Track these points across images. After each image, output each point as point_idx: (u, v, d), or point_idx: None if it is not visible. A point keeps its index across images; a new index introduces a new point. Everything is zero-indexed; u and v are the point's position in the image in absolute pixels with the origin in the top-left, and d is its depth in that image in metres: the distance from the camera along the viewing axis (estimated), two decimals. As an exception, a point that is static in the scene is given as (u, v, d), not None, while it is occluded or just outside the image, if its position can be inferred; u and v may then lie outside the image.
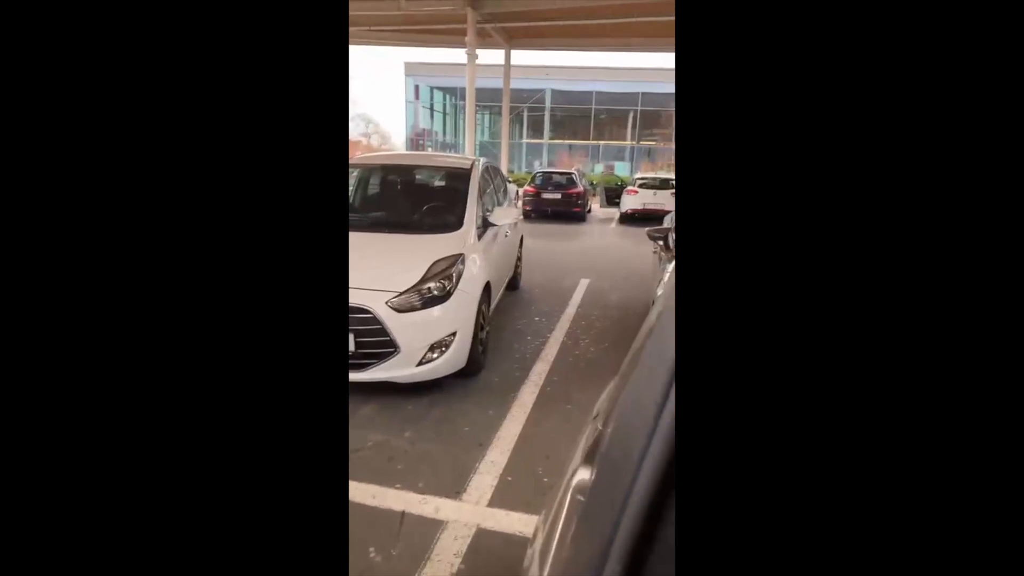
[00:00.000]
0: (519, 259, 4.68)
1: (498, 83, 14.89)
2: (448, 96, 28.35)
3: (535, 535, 0.81)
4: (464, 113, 13.13)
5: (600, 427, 0.72)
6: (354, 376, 2.42)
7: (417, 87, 27.03)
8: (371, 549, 1.64)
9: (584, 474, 0.66)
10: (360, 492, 1.91)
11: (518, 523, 1.79)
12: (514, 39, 13.16)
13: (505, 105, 14.71)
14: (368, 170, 3.85)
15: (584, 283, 5.04)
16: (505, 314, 3.91)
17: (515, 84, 15.34)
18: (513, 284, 4.48)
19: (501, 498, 1.91)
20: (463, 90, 12.39)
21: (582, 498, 0.61)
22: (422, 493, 1.92)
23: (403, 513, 1.82)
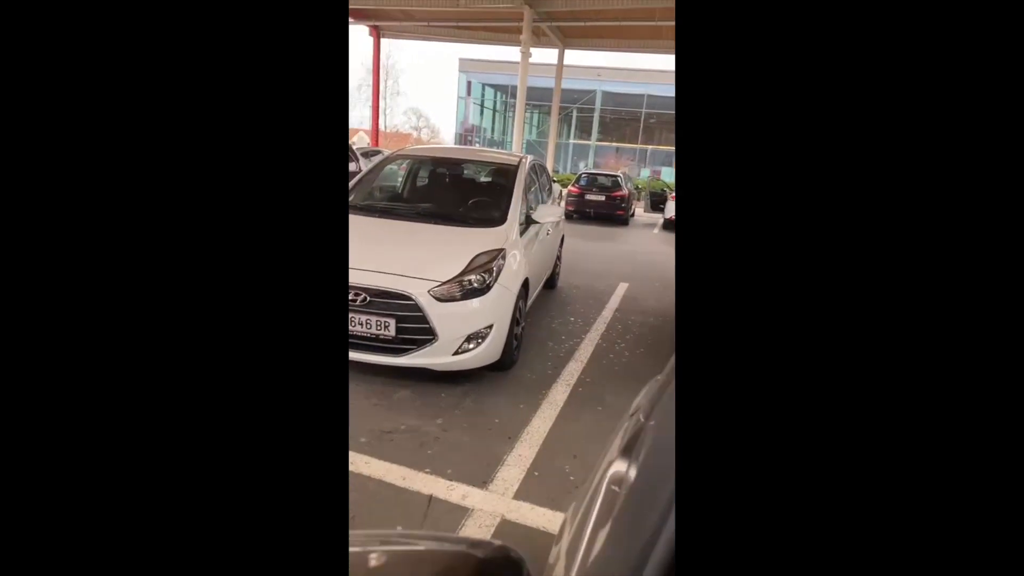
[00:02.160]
0: (559, 258, 4.68)
1: (549, 82, 14.87)
2: (499, 93, 28.50)
3: (561, 533, 0.82)
4: (513, 111, 13.16)
5: (642, 419, 0.72)
6: (392, 360, 2.48)
7: (469, 83, 27.31)
8: (398, 528, 1.70)
9: (620, 466, 0.66)
10: (391, 473, 1.97)
11: (542, 518, 1.80)
12: (569, 38, 13.10)
13: (555, 104, 14.67)
14: (418, 162, 3.93)
15: (623, 287, 4.99)
16: (541, 312, 3.91)
17: (566, 84, 15.29)
18: (551, 283, 4.48)
19: (527, 492, 1.93)
20: (514, 88, 12.43)
21: (617, 488, 0.61)
22: (450, 480, 1.96)
23: (431, 497, 1.87)
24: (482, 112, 29.12)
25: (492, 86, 27.91)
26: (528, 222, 3.23)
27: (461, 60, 26.25)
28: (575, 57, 15.25)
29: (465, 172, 3.92)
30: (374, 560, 0.39)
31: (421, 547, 0.38)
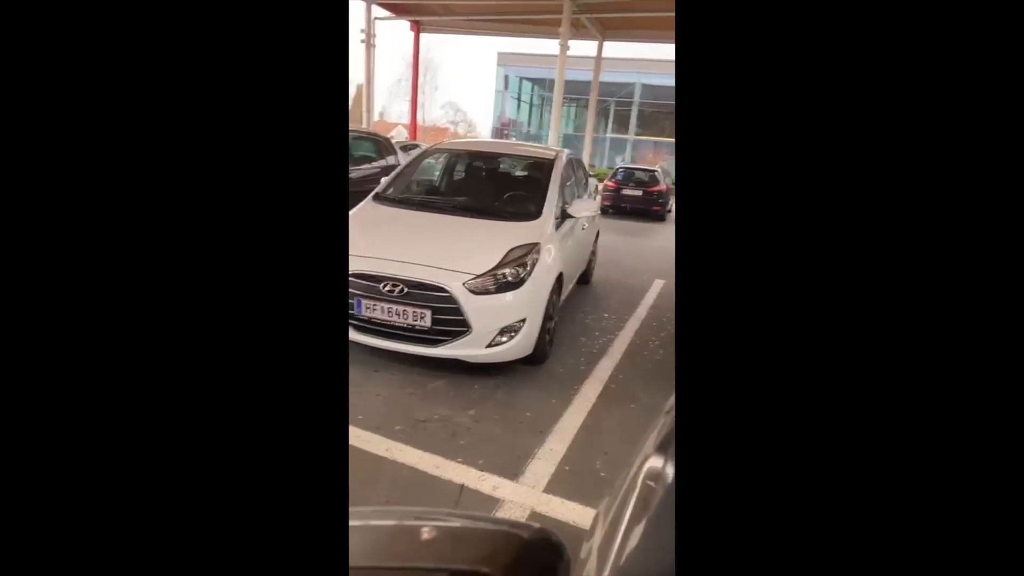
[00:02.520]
0: (593, 253, 4.64)
1: (588, 75, 14.69)
2: (536, 87, 28.37)
3: (593, 529, 0.81)
4: (550, 105, 13.07)
5: None
6: (427, 351, 2.53)
7: (507, 77, 27.29)
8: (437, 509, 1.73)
9: (657, 462, 0.66)
10: (424, 461, 2.01)
11: (572, 512, 1.81)
12: (608, 30, 12.90)
13: (593, 98, 14.50)
14: (454, 156, 3.96)
15: (658, 284, 4.90)
16: (575, 307, 3.90)
17: (605, 77, 15.06)
18: (585, 278, 4.45)
19: (557, 486, 1.94)
20: (552, 81, 12.34)
21: (653, 484, 0.61)
22: (481, 470, 1.99)
23: (462, 486, 1.90)
24: (519, 106, 29.06)
25: (530, 80, 27.80)
26: (563, 216, 3.22)
27: (499, 54, 26.24)
28: (614, 50, 15.01)
29: (501, 166, 3.93)
30: (422, 534, 0.40)
31: (462, 524, 0.39)
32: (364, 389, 2.49)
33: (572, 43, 10.82)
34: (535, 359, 2.77)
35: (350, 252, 2.66)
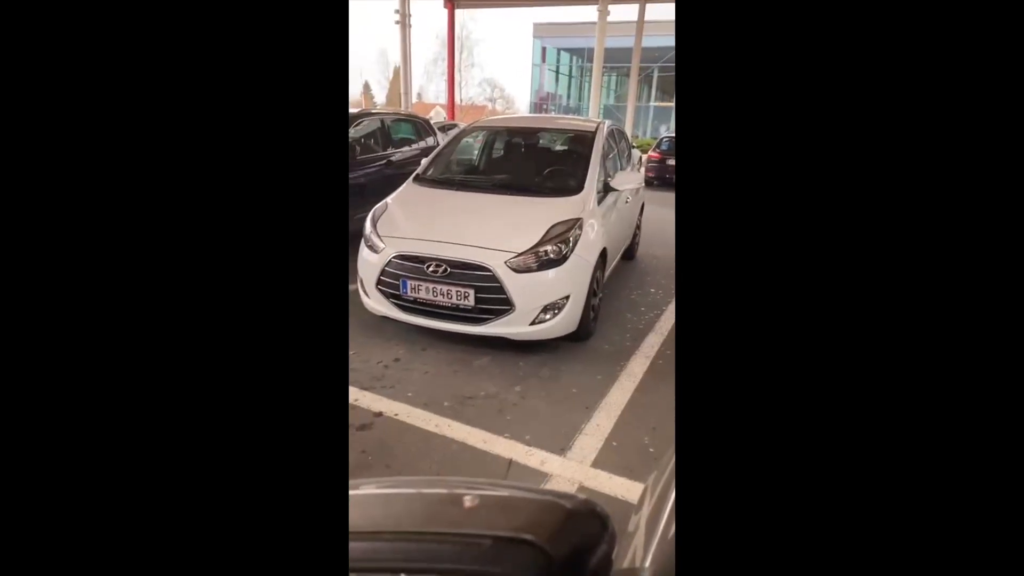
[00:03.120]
0: (638, 227, 4.53)
1: (628, 42, 14.10)
2: (575, 58, 27.60)
3: (641, 503, 0.82)
4: (590, 75, 12.69)
5: None
6: (471, 329, 2.56)
7: (544, 49, 26.65)
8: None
9: None
10: (472, 436, 2.06)
11: (620, 487, 1.81)
12: (650, -8, 12.31)
13: (634, 65, 13.95)
14: (493, 133, 3.93)
15: (707, 257, 4.74)
16: (620, 282, 3.84)
17: (647, 42, 14.41)
18: (630, 253, 4.36)
19: (605, 461, 1.94)
20: (591, 51, 11.95)
21: None
22: (528, 445, 2.01)
23: (510, 461, 1.93)
24: (557, 79, 28.40)
25: (568, 50, 27.04)
26: (606, 190, 3.14)
27: (536, 25, 25.61)
28: (657, 11, 14.30)
29: (541, 141, 3.87)
30: (468, 502, 0.41)
31: (508, 494, 0.40)
32: (412, 367, 2.56)
33: (612, 7, 10.39)
34: (579, 336, 2.76)
35: (394, 234, 2.71)
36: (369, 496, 0.49)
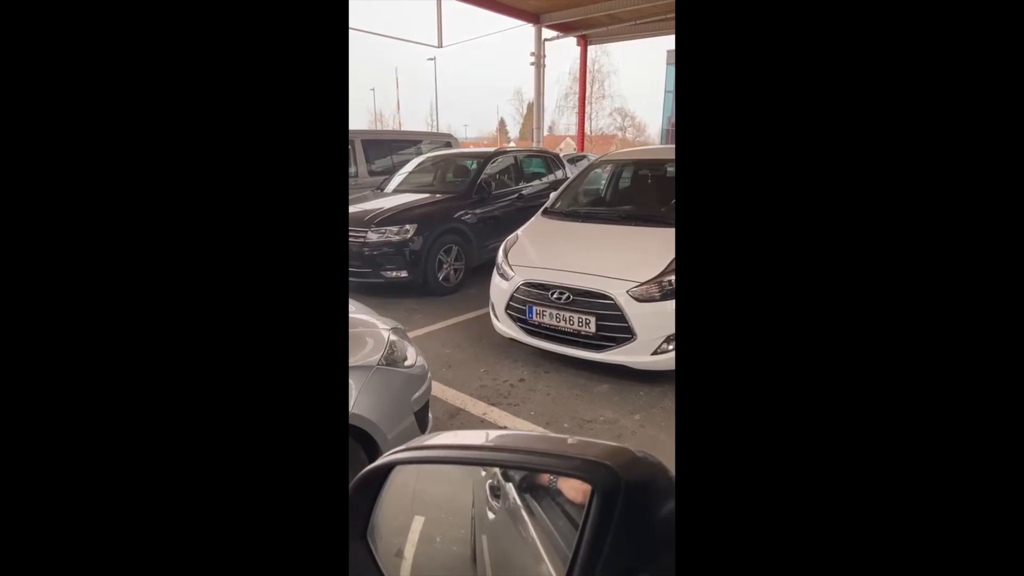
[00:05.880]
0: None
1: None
2: (710, 80, 26.42)
3: None
4: (726, 98, 12.12)
5: None
6: (592, 356, 2.65)
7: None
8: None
9: None
10: (590, 458, 2.13)
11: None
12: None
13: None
14: (619, 165, 4.04)
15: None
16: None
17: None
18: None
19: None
20: (727, 73, 11.44)
21: None
22: (646, 473, 2.02)
23: (626, 486, 1.96)
24: (691, 103, 27.38)
25: (703, 74, 26.02)
26: (736, 220, 3.04)
27: (668, 52, 25.23)
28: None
29: (668, 172, 3.88)
30: (568, 440, 0.48)
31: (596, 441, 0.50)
32: (536, 388, 2.72)
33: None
34: (704, 368, 2.68)
35: (523, 263, 2.93)
36: (498, 432, 0.60)
